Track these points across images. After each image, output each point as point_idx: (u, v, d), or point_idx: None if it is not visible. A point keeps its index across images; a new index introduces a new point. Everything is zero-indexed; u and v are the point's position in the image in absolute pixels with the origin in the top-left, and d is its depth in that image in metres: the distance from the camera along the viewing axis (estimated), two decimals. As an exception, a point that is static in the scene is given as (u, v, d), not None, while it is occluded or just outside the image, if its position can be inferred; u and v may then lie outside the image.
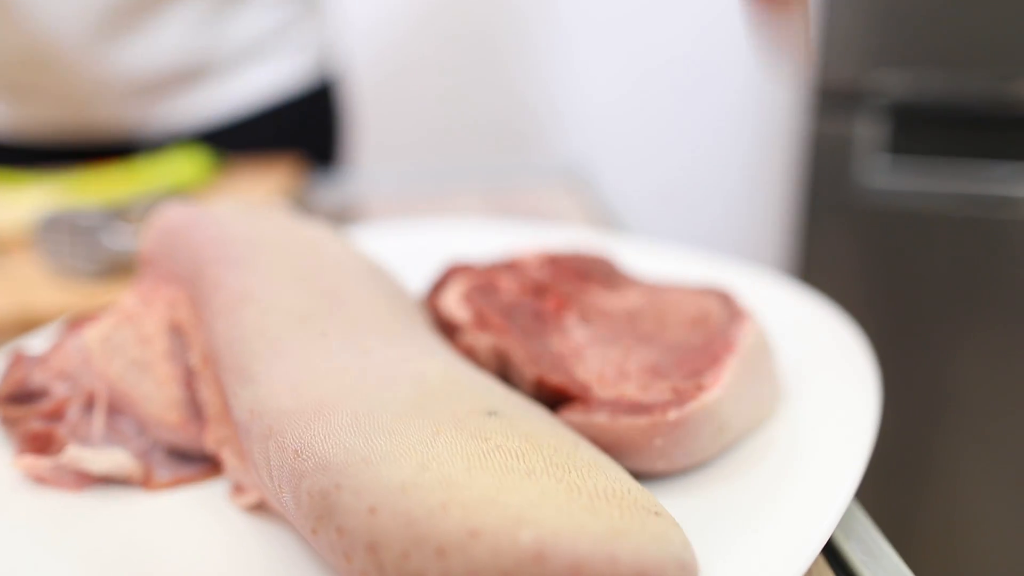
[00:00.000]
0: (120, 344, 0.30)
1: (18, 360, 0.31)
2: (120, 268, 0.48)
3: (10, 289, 0.47)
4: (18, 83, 0.75)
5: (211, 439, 0.28)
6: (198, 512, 0.27)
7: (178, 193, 0.63)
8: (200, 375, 0.29)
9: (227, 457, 0.27)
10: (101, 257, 0.46)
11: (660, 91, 1.65)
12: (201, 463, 0.29)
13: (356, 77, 1.29)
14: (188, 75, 0.78)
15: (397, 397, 0.23)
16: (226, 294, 0.28)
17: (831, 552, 0.25)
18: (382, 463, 0.20)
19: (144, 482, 0.28)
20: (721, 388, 0.27)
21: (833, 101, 1.06)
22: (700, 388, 0.27)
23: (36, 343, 0.35)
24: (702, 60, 1.63)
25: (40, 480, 0.27)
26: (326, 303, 0.28)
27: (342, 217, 0.70)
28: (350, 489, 0.20)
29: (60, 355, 0.30)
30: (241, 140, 0.83)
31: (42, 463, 0.27)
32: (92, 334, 0.30)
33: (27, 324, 0.45)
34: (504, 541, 0.17)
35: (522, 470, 0.20)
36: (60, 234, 0.47)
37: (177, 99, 0.79)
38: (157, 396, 0.29)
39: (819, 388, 0.31)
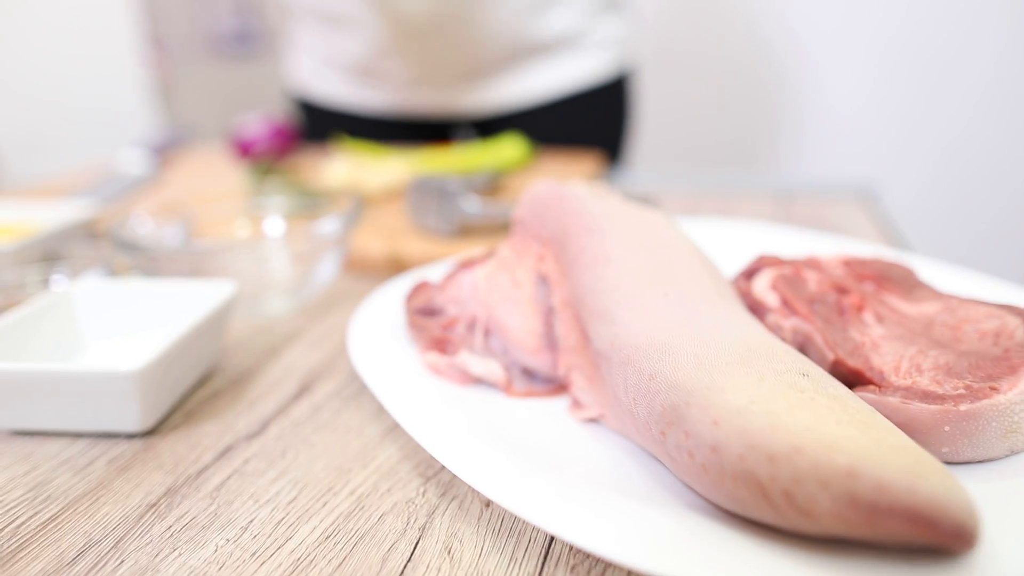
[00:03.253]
0: (499, 283, 0.40)
1: (423, 285, 0.42)
2: (468, 228, 0.59)
3: (384, 236, 0.61)
4: (369, 69, 0.92)
5: (563, 364, 0.36)
6: (543, 416, 0.35)
7: (505, 172, 0.75)
8: (559, 315, 0.37)
9: (575, 379, 0.35)
10: (456, 218, 0.58)
11: (948, 101, 1.53)
12: (546, 383, 0.38)
13: (645, 74, 1.36)
14: (507, 62, 0.90)
15: (727, 349, 0.29)
16: (591, 255, 0.36)
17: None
18: (721, 391, 0.27)
19: (506, 388, 0.37)
20: (1017, 393, 0.30)
21: None
22: (995, 389, 0.30)
23: (431, 274, 0.46)
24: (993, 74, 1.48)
25: (436, 371, 0.38)
26: (666, 271, 0.35)
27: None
28: (697, 406, 0.26)
29: (454, 285, 0.40)
30: (544, 126, 0.94)
31: (441, 360, 0.37)
32: (480, 273, 0.40)
33: (397, 264, 0.58)
34: (822, 458, 0.23)
35: (832, 418, 0.26)
36: (427, 196, 0.59)
37: (494, 86, 0.91)
38: (522, 326, 0.39)
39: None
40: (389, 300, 0.45)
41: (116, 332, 0.43)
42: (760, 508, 0.24)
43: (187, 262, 0.47)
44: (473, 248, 0.56)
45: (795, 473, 0.23)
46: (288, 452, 0.34)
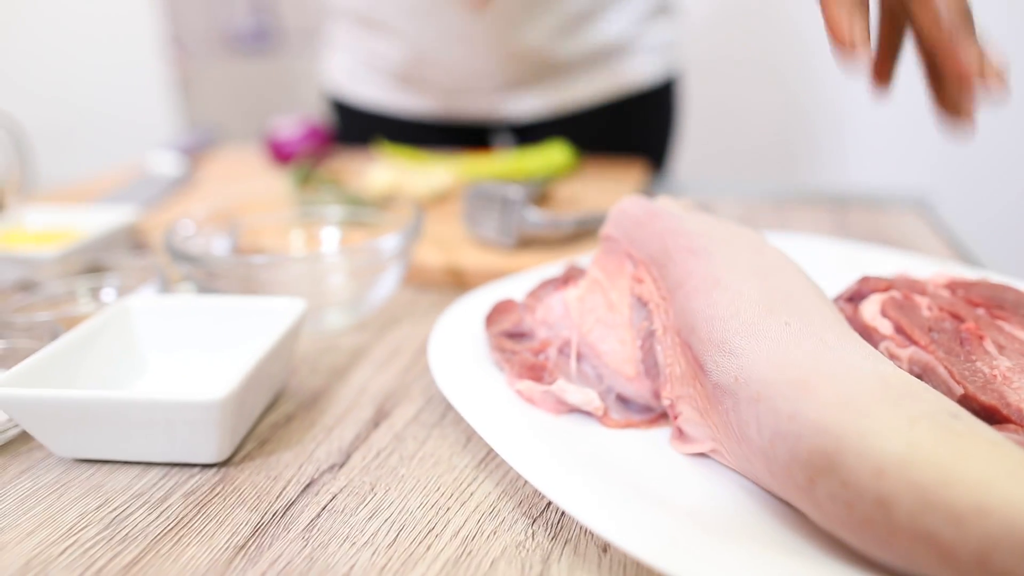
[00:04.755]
0: (592, 306, 0.37)
1: (507, 306, 0.40)
2: (527, 240, 0.57)
3: (439, 246, 0.58)
4: (410, 76, 0.90)
5: (667, 394, 0.34)
6: (644, 448, 0.33)
7: (551, 180, 0.72)
8: (661, 341, 0.35)
9: (683, 410, 0.33)
10: (517, 229, 0.55)
11: (1010, 107, 1.50)
12: (643, 413, 0.36)
13: (690, 80, 1.33)
14: (553, 70, 0.87)
15: (866, 387, 0.27)
16: (699, 279, 0.34)
17: None
18: (875, 436, 0.24)
19: (602, 418, 0.35)
20: None
21: None
22: None
23: (507, 292, 0.44)
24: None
25: (529, 400, 0.35)
26: (781, 297, 0.33)
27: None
28: (852, 452, 0.24)
29: (543, 307, 0.38)
30: (587, 131, 0.91)
31: (535, 388, 0.35)
32: (572, 294, 0.38)
33: (456, 276, 0.55)
34: (1016, 520, 0.21)
35: (1003, 468, 0.23)
36: (487, 205, 0.57)
37: (538, 92, 0.89)
38: (618, 352, 0.36)
39: None
40: (463, 319, 0.42)
41: (178, 351, 0.41)
42: (941, 570, 0.22)
43: (245, 276, 0.44)
44: (536, 262, 0.54)
45: (987, 537, 0.21)
46: (377, 487, 0.32)
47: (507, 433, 0.32)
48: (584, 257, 0.48)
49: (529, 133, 0.93)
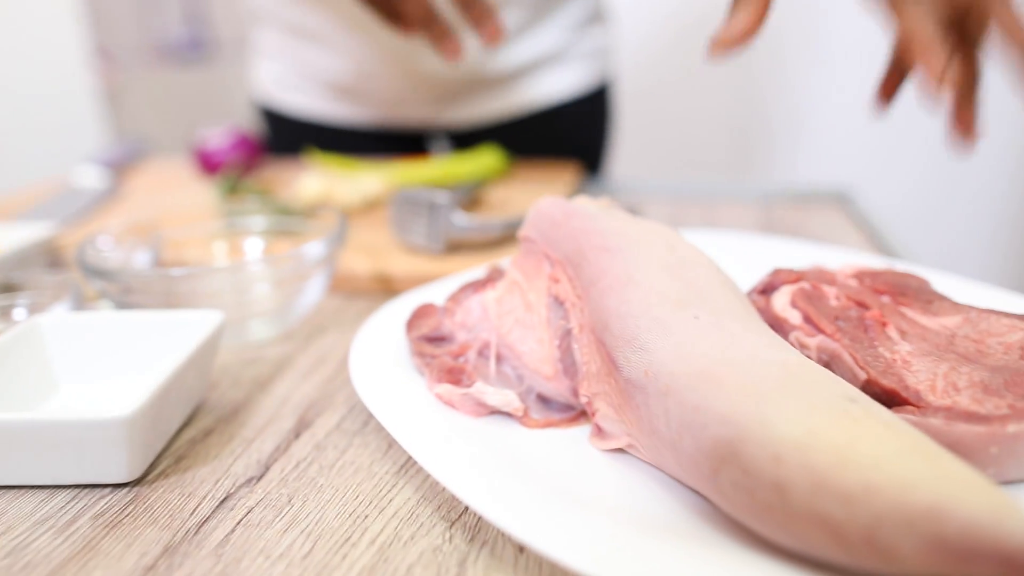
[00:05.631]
0: (510, 307, 0.38)
1: (427, 310, 0.39)
2: (456, 245, 0.57)
3: (367, 253, 0.58)
4: (355, 89, 0.89)
5: (584, 392, 0.34)
6: (564, 447, 0.33)
7: (483, 184, 0.73)
8: (577, 340, 0.35)
9: (600, 407, 0.33)
10: (445, 234, 0.55)
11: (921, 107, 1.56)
12: (564, 412, 0.36)
13: (623, 85, 1.35)
14: (493, 81, 0.88)
15: (769, 376, 0.28)
16: (612, 277, 0.34)
17: None
18: (775, 424, 0.25)
19: (523, 419, 0.35)
20: (1061, 411, 0.29)
21: None
22: (1039, 408, 0.29)
23: (429, 296, 0.44)
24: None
25: (449, 403, 0.35)
26: (691, 292, 0.33)
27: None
28: (753, 441, 0.25)
29: (462, 310, 0.38)
30: (524, 137, 0.92)
31: (455, 391, 0.35)
32: (490, 296, 0.38)
33: (384, 283, 0.55)
34: (901, 498, 0.22)
35: (893, 448, 0.24)
36: (414, 211, 0.56)
37: (477, 101, 0.89)
38: (537, 352, 0.37)
39: None
40: (386, 325, 0.42)
41: (91, 370, 0.39)
42: (835, 550, 0.23)
43: (164, 290, 0.43)
44: (465, 266, 0.54)
45: (874, 515, 0.22)
46: (295, 498, 0.32)
47: (424, 438, 0.31)
48: (506, 260, 0.49)
49: (467, 139, 0.93)
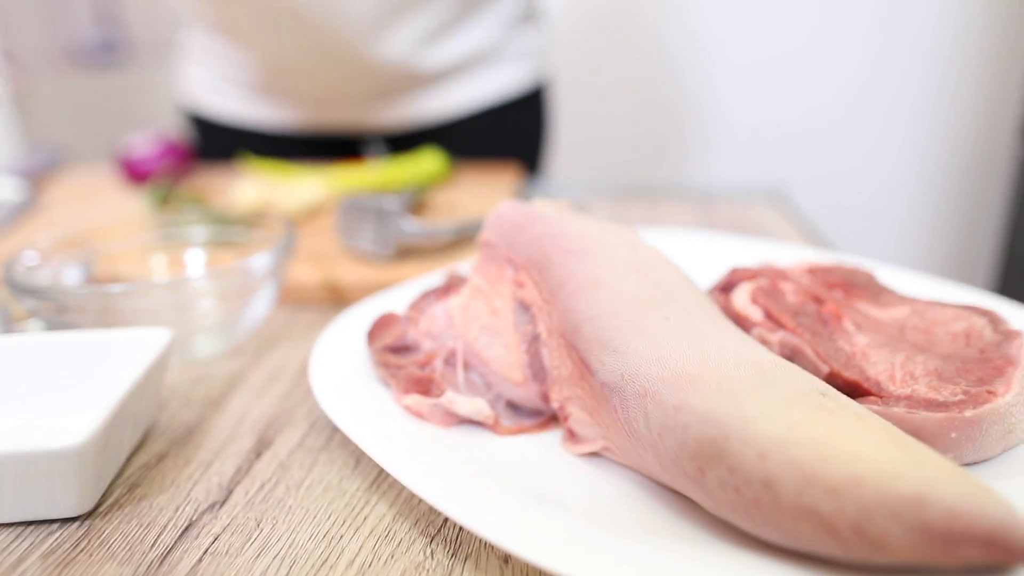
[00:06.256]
0: (475, 313, 0.37)
1: (389, 319, 0.38)
2: (405, 251, 0.56)
3: (315, 262, 0.56)
4: (269, 86, 0.86)
5: (555, 397, 0.34)
6: (537, 453, 0.33)
7: (425, 188, 0.72)
8: (546, 344, 0.35)
9: (573, 411, 0.33)
10: (395, 241, 0.54)
11: (849, 104, 1.63)
12: (533, 417, 0.36)
13: (559, 86, 1.36)
14: (418, 81, 0.86)
15: (745, 374, 0.28)
16: (579, 280, 0.34)
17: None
18: (756, 420, 0.25)
19: (494, 427, 0.35)
20: (1013, 395, 0.30)
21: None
22: (992, 394, 0.31)
23: (385, 305, 0.43)
24: (894, 69, 1.60)
25: (418, 415, 0.34)
26: (659, 292, 0.33)
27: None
28: (736, 439, 0.25)
29: (426, 318, 0.37)
30: (461, 138, 0.91)
31: (423, 402, 0.34)
32: (455, 303, 0.37)
33: (334, 292, 0.54)
34: (886, 487, 0.22)
35: (870, 440, 0.25)
36: (362, 217, 0.55)
37: (407, 102, 0.88)
38: (505, 358, 0.36)
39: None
40: (343, 335, 0.41)
41: (27, 397, 0.37)
42: (824, 543, 0.23)
43: (102, 307, 0.41)
44: (416, 273, 0.53)
45: (861, 506, 0.22)
46: (263, 522, 0.30)
47: (396, 451, 0.31)
48: (463, 265, 0.48)
49: (402, 142, 0.92)
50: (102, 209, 0.74)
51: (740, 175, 1.68)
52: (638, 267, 0.35)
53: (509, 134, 0.94)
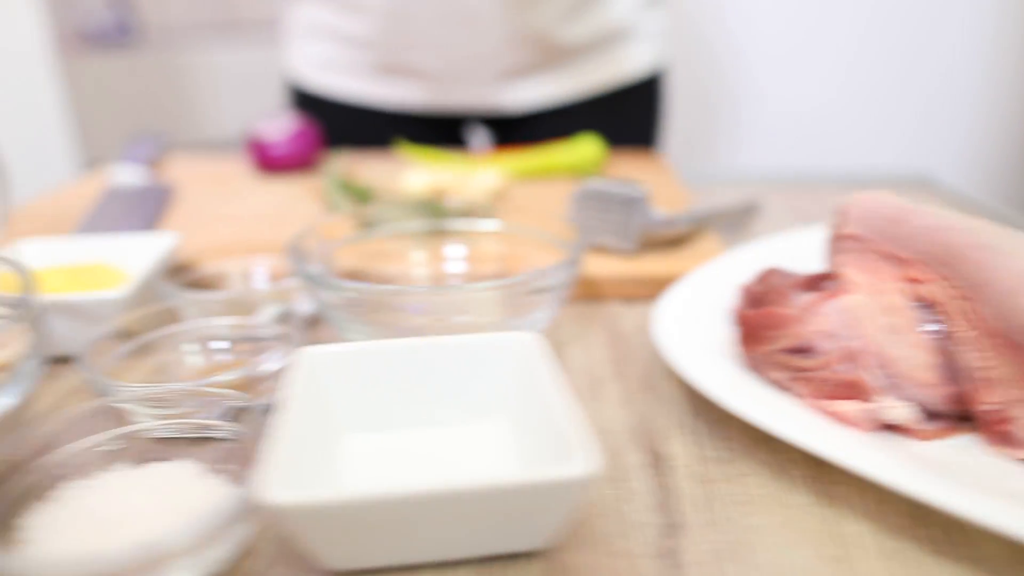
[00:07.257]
0: (870, 311, 0.35)
1: (783, 319, 0.36)
2: (646, 241, 0.53)
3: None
4: (389, 64, 0.82)
5: (986, 400, 0.32)
6: (964, 457, 0.32)
7: (582, 175, 0.69)
8: (965, 343, 0.33)
9: (1020, 415, 0.31)
10: (640, 232, 0.51)
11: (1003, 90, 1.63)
12: (946, 421, 0.34)
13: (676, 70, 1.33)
14: (549, 58, 0.83)
15: None
16: (1008, 275, 0.32)
17: None
18: None
19: (915, 431, 0.33)
20: None
21: None
22: None
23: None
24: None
25: (845, 420, 0.32)
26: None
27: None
28: None
29: (818, 317, 0.35)
30: (577, 124, 0.88)
31: (854, 407, 0.32)
32: (849, 300, 0.35)
33: (590, 289, 0.50)
34: None
35: None
36: (605, 208, 0.51)
37: (536, 81, 0.85)
38: (911, 358, 0.34)
39: None
40: (683, 339, 0.38)
41: (375, 412, 0.33)
42: None
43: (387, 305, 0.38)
44: (663, 265, 0.50)
45: None
46: (734, 540, 0.28)
47: (874, 459, 0.29)
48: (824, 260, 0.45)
49: (512, 128, 0.88)
50: (260, 197, 0.69)
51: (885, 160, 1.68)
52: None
53: (625, 121, 0.91)
